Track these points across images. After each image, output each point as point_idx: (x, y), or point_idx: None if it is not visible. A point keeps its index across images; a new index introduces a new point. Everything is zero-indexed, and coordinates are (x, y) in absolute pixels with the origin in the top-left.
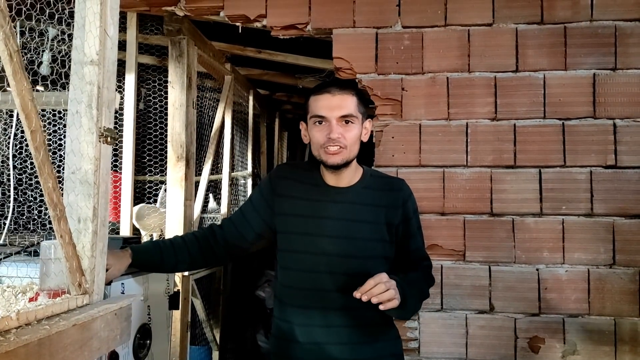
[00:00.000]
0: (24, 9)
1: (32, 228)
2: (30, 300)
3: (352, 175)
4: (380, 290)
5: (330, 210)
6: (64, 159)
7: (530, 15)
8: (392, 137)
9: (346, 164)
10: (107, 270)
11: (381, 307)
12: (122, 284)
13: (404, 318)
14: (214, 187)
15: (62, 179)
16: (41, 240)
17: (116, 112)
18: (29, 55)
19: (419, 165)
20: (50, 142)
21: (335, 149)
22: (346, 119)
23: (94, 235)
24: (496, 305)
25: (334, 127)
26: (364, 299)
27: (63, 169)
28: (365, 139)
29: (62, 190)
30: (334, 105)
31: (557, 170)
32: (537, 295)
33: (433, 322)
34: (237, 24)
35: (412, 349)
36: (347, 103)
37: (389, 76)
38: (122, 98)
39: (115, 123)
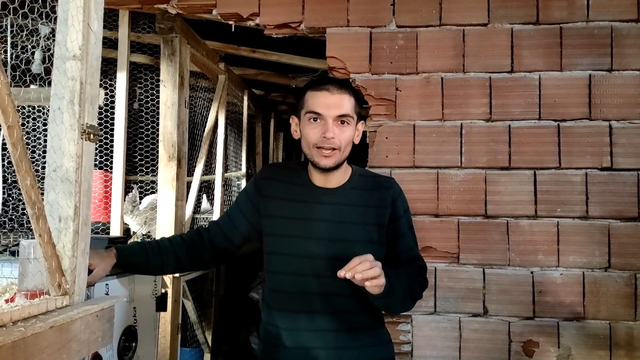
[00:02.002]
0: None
1: (16, 227)
2: (7, 301)
3: (341, 176)
4: (365, 267)
5: (317, 212)
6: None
7: (525, 16)
8: (386, 138)
9: (337, 167)
10: (91, 270)
11: (367, 284)
12: (107, 285)
13: (392, 310)
14: (207, 188)
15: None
16: (21, 239)
17: (107, 110)
18: (19, 53)
19: (413, 166)
20: (31, 139)
21: (329, 151)
22: (342, 119)
23: (75, 235)
24: (490, 308)
25: (330, 126)
26: (348, 276)
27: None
28: (356, 140)
29: (42, 188)
30: (331, 104)
31: (552, 172)
32: (532, 298)
33: (426, 325)
34: (230, 22)
35: (404, 352)
36: (345, 103)
37: (383, 76)
38: (113, 97)
39: (107, 122)
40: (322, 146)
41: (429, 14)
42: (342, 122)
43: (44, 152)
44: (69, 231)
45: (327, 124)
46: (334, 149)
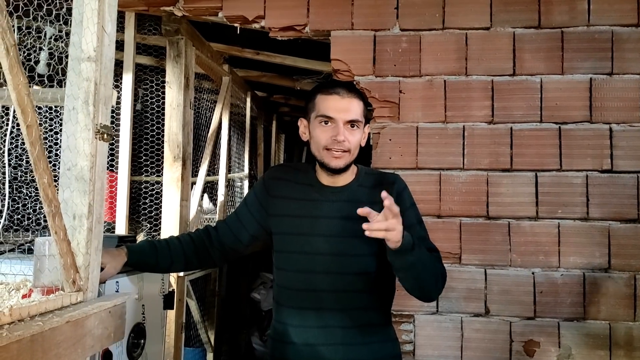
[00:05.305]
0: (22, 4)
1: (26, 225)
2: (24, 296)
3: (348, 175)
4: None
5: (324, 210)
6: (59, 156)
7: (527, 20)
8: (390, 140)
9: (346, 168)
10: (102, 268)
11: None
12: (117, 282)
13: (420, 281)
14: (210, 188)
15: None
16: (35, 237)
17: (113, 111)
18: (25, 54)
19: (416, 167)
20: (47, 139)
21: (339, 152)
22: (352, 123)
23: (89, 232)
24: (492, 308)
25: (341, 129)
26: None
27: (59, 166)
28: (362, 143)
29: (57, 186)
30: (342, 107)
31: (553, 174)
32: (533, 298)
33: (428, 324)
34: (236, 25)
35: (407, 352)
36: (355, 107)
37: (386, 78)
38: (119, 97)
39: (112, 123)
40: (333, 148)
41: (432, 18)
42: (352, 126)
43: (49, 151)
44: (83, 229)
45: (338, 127)
46: (344, 151)
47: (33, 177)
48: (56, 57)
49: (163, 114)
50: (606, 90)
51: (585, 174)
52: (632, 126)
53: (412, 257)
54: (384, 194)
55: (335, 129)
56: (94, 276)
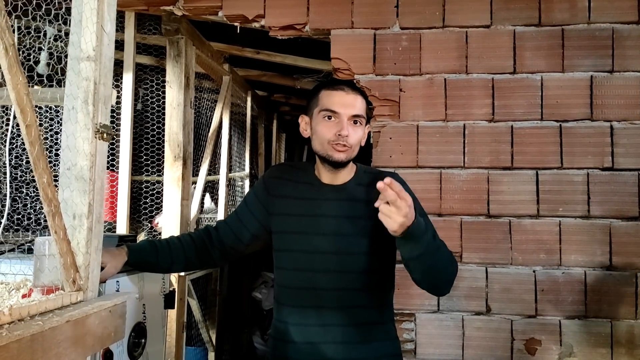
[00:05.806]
0: (21, 4)
1: (26, 225)
2: (24, 296)
3: (347, 174)
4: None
5: (324, 208)
6: (59, 155)
7: (528, 17)
8: (390, 138)
9: (347, 163)
10: (102, 268)
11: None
12: (117, 282)
13: (435, 258)
14: (211, 188)
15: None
16: (35, 237)
17: (113, 111)
18: (25, 54)
19: (416, 166)
20: (47, 138)
21: (342, 147)
22: (355, 119)
23: (89, 232)
24: (493, 306)
25: (345, 124)
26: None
27: (59, 166)
28: (363, 142)
29: (57, 186)
30: (347, 103)
31: (554, 172)
32: (534, 297)
33: (429, 323)
34: (236, 24)
35: (408, 350)
36: (359, 103)
37: (386, 77)
38: (119, 97)
39: (112, 122)
40: (337, 142)
41: (432, 16)
42: (355, 122)
43: (49, 151)
44: (83, 228)
45: (342, 122)
46: (346, 146)
47: (33, 176)
48: (56, 56)
49: (163, 114)
50: (607, 87)
51: (586, 172)
52: (633, 124)
53: (422, 244)
54: (379, 184)
55: (339, 124)
56: (94, 275)
